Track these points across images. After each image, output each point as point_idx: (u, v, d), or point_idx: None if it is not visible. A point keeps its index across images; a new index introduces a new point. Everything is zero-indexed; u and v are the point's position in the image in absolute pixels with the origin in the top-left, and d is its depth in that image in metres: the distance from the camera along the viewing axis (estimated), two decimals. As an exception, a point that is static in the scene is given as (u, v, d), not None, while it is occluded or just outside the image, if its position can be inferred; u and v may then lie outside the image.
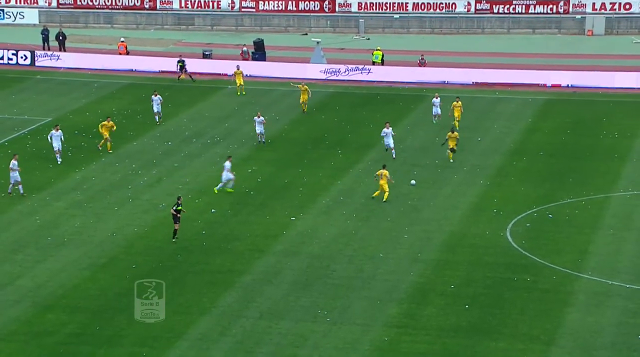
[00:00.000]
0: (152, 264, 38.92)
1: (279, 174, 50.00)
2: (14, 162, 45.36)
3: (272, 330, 34.01)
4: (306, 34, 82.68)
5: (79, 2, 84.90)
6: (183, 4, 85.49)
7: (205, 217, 43.82)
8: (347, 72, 69.30)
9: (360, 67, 69.44)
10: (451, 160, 49.96)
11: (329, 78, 69.20)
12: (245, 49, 72.55)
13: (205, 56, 72.75)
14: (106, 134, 52.09)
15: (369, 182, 48.10)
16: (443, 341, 33.45)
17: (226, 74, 68.07)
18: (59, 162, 49.75)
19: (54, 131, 50.31)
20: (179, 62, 68.70)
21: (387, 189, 45.18)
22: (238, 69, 65.36)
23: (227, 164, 46.69)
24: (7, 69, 70.27)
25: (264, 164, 51.03)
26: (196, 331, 33.78)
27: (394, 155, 48.99)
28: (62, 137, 50.32)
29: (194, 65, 70.15)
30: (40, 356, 31.87)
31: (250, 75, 68.48)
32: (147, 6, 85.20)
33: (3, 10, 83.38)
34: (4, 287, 36.34)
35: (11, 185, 45.40)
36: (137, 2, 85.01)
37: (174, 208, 40.66)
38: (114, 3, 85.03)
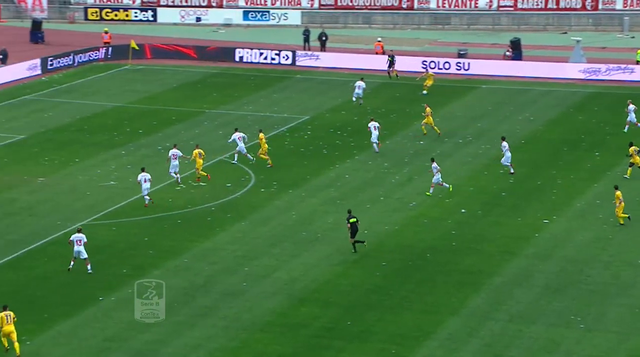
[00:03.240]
0: (402, 262, 39.14)
1: (532, 175, 49.02)
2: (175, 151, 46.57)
3: (523, 334, 33.38)
4: (566, 33, 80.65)
5: (339, 3, 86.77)
6: (440, 4, 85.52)
7: (455, 217, 43.63)
8: (607, 72, 67.01)
9: (623, 66, 66.95)
10: (626, 176, 47.15)
11: (588, 78, 67.16)
12: (508, 53, 71.52)
13: (460, 55, 72.47)
14: None
15: (628, 186, 46.25)
16: None
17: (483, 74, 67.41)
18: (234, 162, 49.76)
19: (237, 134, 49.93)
20: (389, 57, 68.71)
21: (620, 214, 41.95)
22: (428, 71, 64.34)
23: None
24: (270, 68, 72.80)
25: (517, 165, 50.16)
26: (444, 330, 33.68)
27: None
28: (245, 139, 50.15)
29: (448, 65, 70.03)
30: (295, 347, 32.71)
31: (506, 75, 67.68)
32: (404, 6, 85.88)
33: (268, 12, 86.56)
34: (262, 279, 37.59)
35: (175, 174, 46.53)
36: (395, 2, 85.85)
37: (349, 221, 39.41)
38: (372, 4, 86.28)
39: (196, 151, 47.55)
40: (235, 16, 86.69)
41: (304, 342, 33.04)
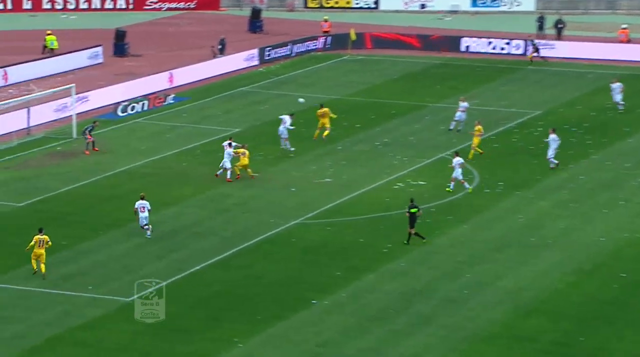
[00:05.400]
0: (643, 274, 37.85)
1: None
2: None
3: None
4: None
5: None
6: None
7: None
8: None
9: None
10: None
11: None
12: None
13: None
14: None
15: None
16: None
17: None
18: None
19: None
20: (533, 44, 68.33)
21: None
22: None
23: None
24: (499, 58, 72.00)
25: None
26: None
27: None
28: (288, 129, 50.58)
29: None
30: (522, 362, 32.26)
31: None
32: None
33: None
34: (485, 287, 37.16)
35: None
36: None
37: (410, 210, 40.04)
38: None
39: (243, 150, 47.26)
40: (463, 2, 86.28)
41: (531, 357, 32.47)
